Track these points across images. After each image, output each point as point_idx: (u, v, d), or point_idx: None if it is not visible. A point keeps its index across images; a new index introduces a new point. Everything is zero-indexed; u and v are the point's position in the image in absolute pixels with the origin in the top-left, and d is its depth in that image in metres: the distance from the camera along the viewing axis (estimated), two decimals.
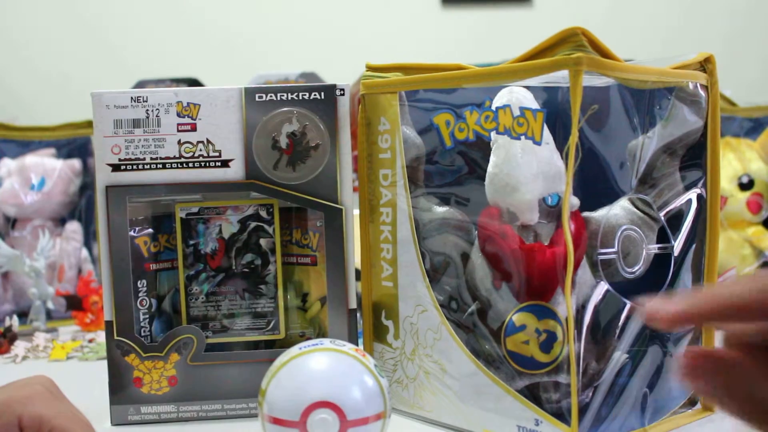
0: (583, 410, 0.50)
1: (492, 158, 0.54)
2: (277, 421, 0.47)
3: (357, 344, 0.57)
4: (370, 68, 0.62)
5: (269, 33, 2.39)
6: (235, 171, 0.61)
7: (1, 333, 0.89)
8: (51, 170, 1.08)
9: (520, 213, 0.53)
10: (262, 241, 0.63)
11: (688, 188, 0.58)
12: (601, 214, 0.55)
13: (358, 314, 0.65)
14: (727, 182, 1.03)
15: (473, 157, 0.57)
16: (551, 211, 0.54)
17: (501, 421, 0.53)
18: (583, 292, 0.53)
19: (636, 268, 0.55)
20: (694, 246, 0.58)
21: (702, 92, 0.57)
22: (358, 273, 0.95)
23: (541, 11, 2.45)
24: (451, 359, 0.56)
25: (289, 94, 0.61)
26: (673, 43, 2.25)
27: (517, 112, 0.52)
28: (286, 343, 0.62)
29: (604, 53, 0.49)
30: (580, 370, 0.51)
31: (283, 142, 0.61)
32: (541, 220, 0.54)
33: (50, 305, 0.99)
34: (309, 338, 0.63)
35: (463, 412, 0.56)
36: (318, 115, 0.61)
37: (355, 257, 0.63)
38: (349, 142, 0.62)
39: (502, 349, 0.53)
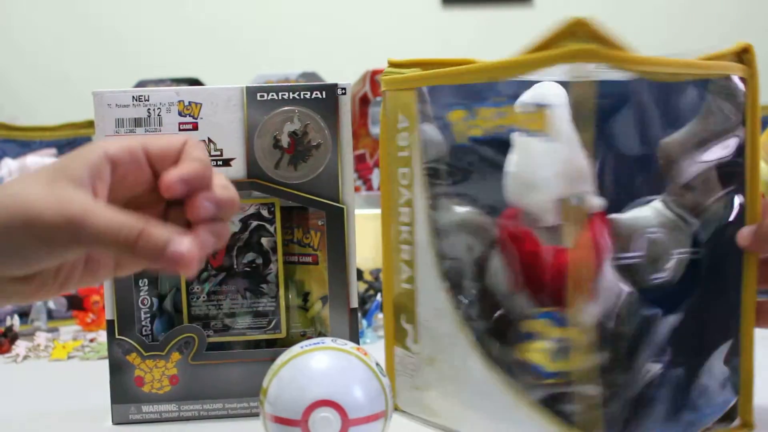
0: (608, 423, 0.48)
1: (513, 157, 0.52)
2: (278, 420, 0.47)
3: (358, 343, 0.57)
4: (391, 64, 0.60)
5: (270, 33, 2.39)
6: (237, 170, 0.61)
7: (2, 333, 0.88)
8: None
9: (539, 213, 0.51)
10: (264, 241, 0.63)
11: (726, 189, 0.53)
12: (629, 216, 0.52)
13: (359, 313, 0.65)
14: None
15: (489, 155, 0.55)
16: (574, 212, 0.51)
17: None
18: (608, 298, 0.51)
19: (663, 273, 0.52)
20: (731, 252, 0.53)
21: (739, 85, 0.52)
22: (359, 272, 0.95)
23: (542, 11, 2.45)
24: (466, 366, 0.54)
25: (291, 93, 0.61)
26: (674, 42, 2.25)
27: (530, 109, 0.50)
28: (288, 342, 0.62)
29: (614, 45, 0.46)
30: (606, 381, 0.48)
31: (285, 141, 0.61)
32: (564, 221, 0.51)
33: (51, 305, 0.99)
34: (310, 337, 0.64)
35: (476, 421, 0.54)
36: (319, 115, 0.61)
37: (357, 257, 0.63)
38: (351, 142, 0.62)
39: (518, 357, 0.51)
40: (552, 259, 0.50)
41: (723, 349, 0.54)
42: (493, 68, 0.52)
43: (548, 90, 0.51)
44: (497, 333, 0.54)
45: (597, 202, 0.51)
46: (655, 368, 0.51)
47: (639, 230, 0.51)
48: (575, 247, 0.49)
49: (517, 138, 0.52)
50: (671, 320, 0.52)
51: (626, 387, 0.50)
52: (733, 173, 0.53)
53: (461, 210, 0.57)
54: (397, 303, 0.61)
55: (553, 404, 0.50)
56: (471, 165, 0.57)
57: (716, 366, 0.54)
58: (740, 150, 0.52)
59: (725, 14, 2.42)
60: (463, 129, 0.55)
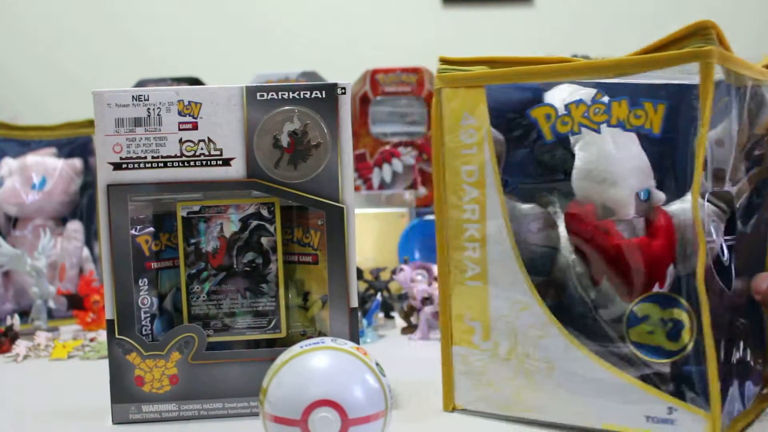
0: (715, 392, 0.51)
1: (581, 154, 0.54)
2: (278, 420, 0.47)
3: (358, 343, 0.57)
4: (445, 61, 0.60)
5: (270, 32, 2.39)
6: (237, 170, 0.61)
7: (3, 332, 0.89)
8: (52, 169, 1.08)
9: (618, 208, 0.54)
10: (264, 240, 0.63)
11: (751, 183, 0.58)
12: (678, 207, 0.54)
13: (359, 313, 0.65)
14: None
15: (570, 151, 0.57)
16: (643, 205, 0.54)
17: (625, 413, 0.53)
18: (670, 282, 0.54)
19: (719, 257, 0.55)
20: (756, 239, 0.59)
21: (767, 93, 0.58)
22: (359, 272, 0.95)
23: (542, 10, 2.44)
24: (561, 356, 0.55)
25: (291, 93, 0.61)
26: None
27: (634, 105, 0.52)
28: (288, 342, 0.62)
29: (727, 48, 0.50)
30: (720, 355, 0.51)
31: (285, 140, 0.61)
32: (637, 214, 0.54)
33: (51, 304, 0.99)
34: (310, 337, 0.64)
35: (576, 407, 0.55)
36: (319, 114, 0.61)
37: (357, 256, 0.63)
38: (351, 141, 0.62)
39: (627, 340, 0.53)
40: (642, 250, 0.53)
41: (753, 326, 0.59)
42: (608, 66, 0.53)
43: (580, 89, 0.54)
44: (594, 322, 0.56)
45: (661, 195, 0.54)
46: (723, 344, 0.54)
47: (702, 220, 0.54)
48: (655, 237, 0.53)
49: (586, 136, 0.54)
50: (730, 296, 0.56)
51: (721, 360, 0.52)
52: (757, 167, 0.59)
53: (528, 206, 0.58)
54: (460, 301, 0.60)
55: (656, 380, 0.52)
56: (556, 159, 0.58)
57: (753, 341, 0.59)
58: (763, 146, 0.58)
59: (723, 13, 2.42)
60: (550, 125, 0.55)
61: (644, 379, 0.53)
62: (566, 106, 0.54)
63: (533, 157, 0.59)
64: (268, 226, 0.63)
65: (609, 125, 0.53)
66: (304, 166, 0.61)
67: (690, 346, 0.51)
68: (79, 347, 0.86)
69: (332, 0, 2.44)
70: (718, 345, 0.52)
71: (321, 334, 0.65)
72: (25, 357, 0.85)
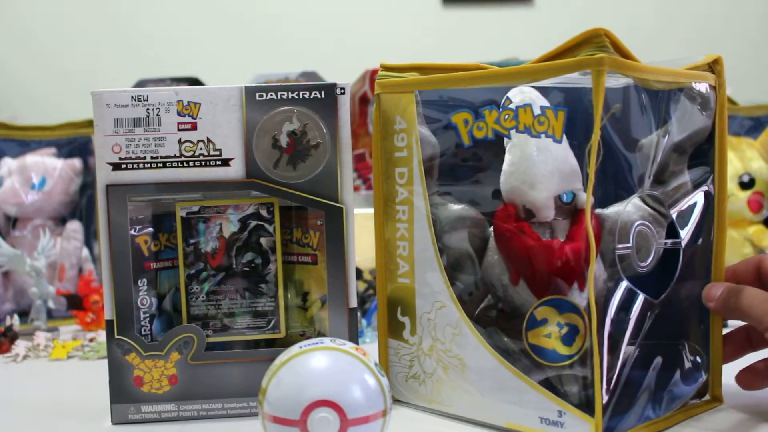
0: (604, 401, 0.52)
1: (507, 157, 0.55)
2: (277, 420, 0.47)
3: (357, 343, 0.57)
4: (385, 68, 0.63)
5: (270, 32, 2.39)
6: (236, 170, 0.61)
7: (2, 332, 0.89)
8: (52, 170, 1.08)
9: (536, 210, 0.55)
10: (263, 240, 0.63)
11: (695, 186, 0.59)
12: (613, 210, 0.56)
13: (358, 313, 0.65)
14: (727, 181, 1.03)
15: (488, 155, 0.58)
16: (566, 208, 0.55)
17: (523, 413, 0.54)
18: (597, 286, 0.54)
19: (648, 262, 0.56)
20: (700, 242, 0.60)
21: (711, 93, 0.59)
22: (358, 272, 0.95)
23: (542, 11, 2.45)
24: (470, 354, 0.57)
25: (290, 93, 0.61)
26: (673, 43, 2.25)
27: (537, 111, 0.53)
28: (287, 342, 0.62)
29: (625, 54, 0.51)
30: (604, 362, 0.52)
31: (284, 141, 0.61)
32: (556, 216, 0.55)
33: (51, 304, 0.99)
34: (309, 337, 0.64)
35: (483, 405, 0.57)
36: (319, 114, 0.61)
37: (356, 256, 0.63)
38: (350, 141, 0.62)
39: (524, 342, 0.54)
40: (553, 252, 0.53)
41: (696, 332, 0.60)
42: (508, 74, 0.54)
43: (538, 94, 0.54)
44: (500, 322, 0.57)
45: (586, 198, 0.53)
46: (631, 350, 0.55)
47: (626, 224, 0.55)
48: (572, 240, 0.53)
49: (514, 139, 0.55)
50: (654, 305, 0.57)
51: (613, 369, 0.53)
52: (701, 170, 0.60)
53: (458, 207, 0.60)
54: (393, 297, 0.63)
55: (553, 385, 0.53)
56: (474, 163, 0.59)
57: (691, 348, 0.60)
58: (709, 148, 0.60)
59: (722, 14, 2.42)
60: (468, 130, 0.57)
61: (544, 381, 0.54)
62: (481, 112, 0.56)
63: (458, 160, 0.61)
64: (267, 226, 0.63)
65: (517, 131, 0.54)
66: (303, 167, 0.61)
67: (581, 352, 0.52)
68: (78, 347, 0.86)
69: (332, 0, 2.44)
70: (632, 353, 0.54)
71: (320, 334, 0.65)
72: (25, 357, 0.85)
